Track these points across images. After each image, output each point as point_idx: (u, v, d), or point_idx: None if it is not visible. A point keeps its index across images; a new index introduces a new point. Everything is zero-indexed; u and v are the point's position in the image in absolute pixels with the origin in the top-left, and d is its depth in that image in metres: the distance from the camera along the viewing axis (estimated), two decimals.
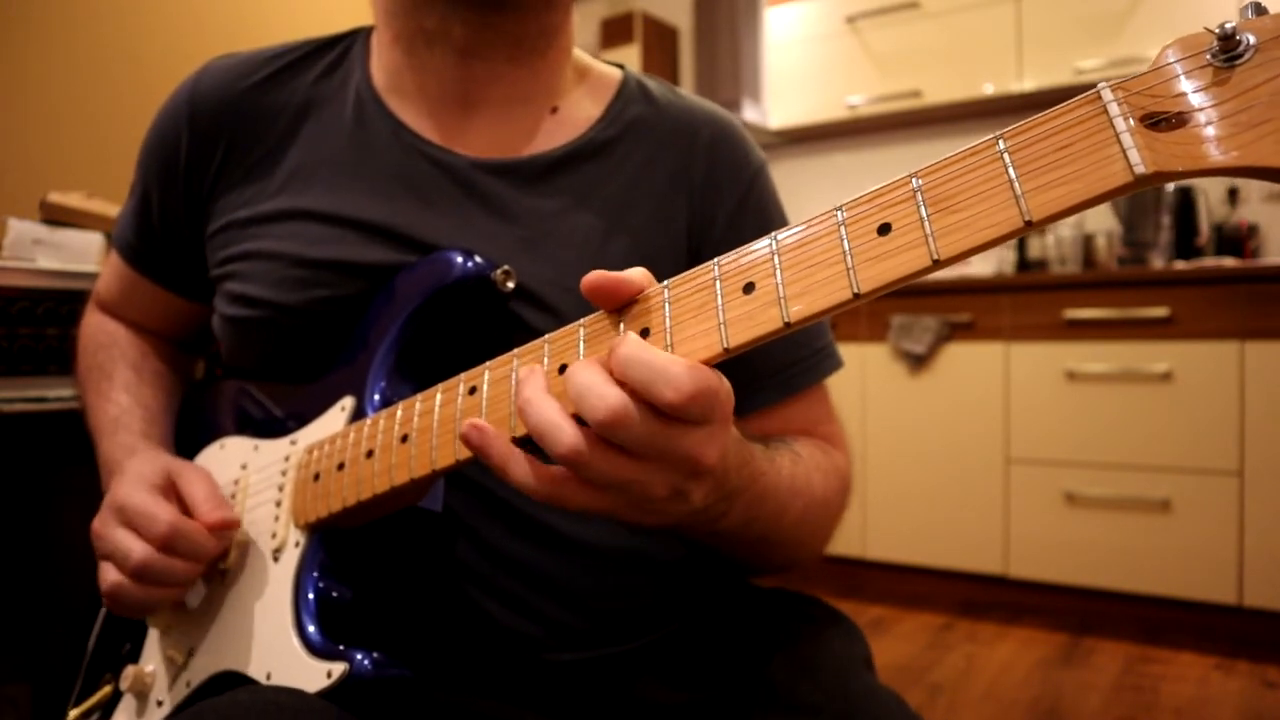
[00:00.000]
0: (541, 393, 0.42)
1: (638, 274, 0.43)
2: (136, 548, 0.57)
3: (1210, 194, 2.67)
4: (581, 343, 0.44)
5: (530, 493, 0.43)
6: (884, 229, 0.35)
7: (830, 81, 3.17)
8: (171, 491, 0.62)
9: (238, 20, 2.21)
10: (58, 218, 1.47)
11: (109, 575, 0.59)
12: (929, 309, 2.61)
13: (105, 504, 0.62)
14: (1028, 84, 2.81)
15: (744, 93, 3.28)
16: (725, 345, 0.39)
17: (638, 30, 3.46)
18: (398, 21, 0.68)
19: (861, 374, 2.72)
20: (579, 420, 0.40)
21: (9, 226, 1.37)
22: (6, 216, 1.38)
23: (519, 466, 0.43)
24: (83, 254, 1.43)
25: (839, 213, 0.36)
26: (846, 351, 0.75)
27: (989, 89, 2.87)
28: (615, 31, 3.52)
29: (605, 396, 0.38)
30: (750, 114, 3.27)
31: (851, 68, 3.13)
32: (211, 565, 0.63)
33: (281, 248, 0.65)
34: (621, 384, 0.39)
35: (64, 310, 1.29)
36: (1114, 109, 0.30)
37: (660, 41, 3.58)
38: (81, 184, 1.65)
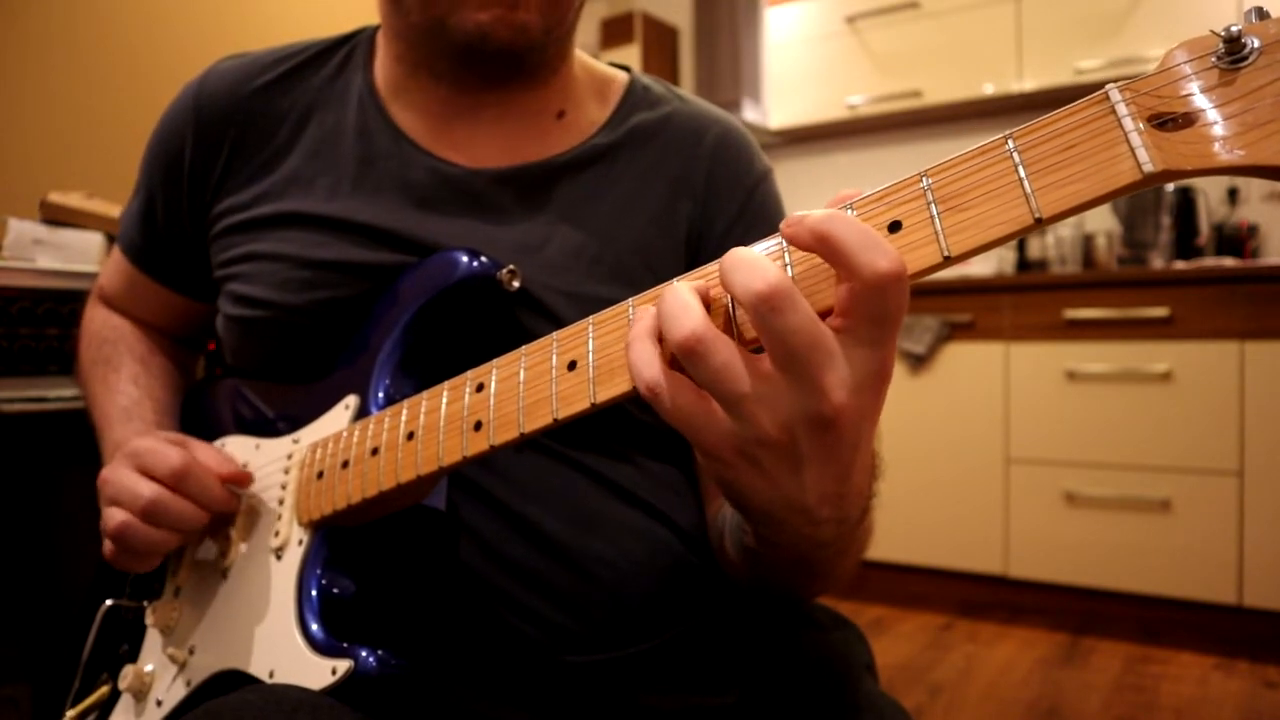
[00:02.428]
0: (681, 283, 0.39)
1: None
2: (146, 486, 0.58)
3: (1210, 194, 2.67)
4: (591, 339, 0.44)
5: (638, 374, 0.38)
6: (894, 226, 0.35)
7: (830, 81, 3.18)
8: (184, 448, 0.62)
9: (238, 20, 2.21)
10: (58, 218, 1.47)
11: (116, 517, 0.59)
12: (929, 309, 2.62)
13: (116, 456, 0.62)
14: (1028, 84, 2.81)
15: (744, 93, 3.29)
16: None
17: (638, 30, 3.46)
18: (401, 44, 0.68)
19: None
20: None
21: (9, 226, 1.37)
22: (6, 216, 1.38)
23: (641, 344, 0.39)
24: (83, 254, 1.43)
25: (849, 211, 0.37)
26: None
27: (989, 89, 2.87)
28: (615, 31, 3.52)
29: (768, 270, 0.34)
30: (750, 114, 3.27)
31: (851, 68, 3.13)
32: (212, 564, 0.63)
33: (283, 249, 0.66)
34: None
35: (64, 310, 1.30)
36: (1122, 109, 0.30)
37: (660, 41, 3.58)
38: (81, 184, 1.65)
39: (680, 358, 0.37)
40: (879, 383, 0.36)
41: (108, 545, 0.60)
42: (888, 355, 0.36)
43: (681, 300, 0.36)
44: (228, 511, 0.62)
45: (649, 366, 0.38)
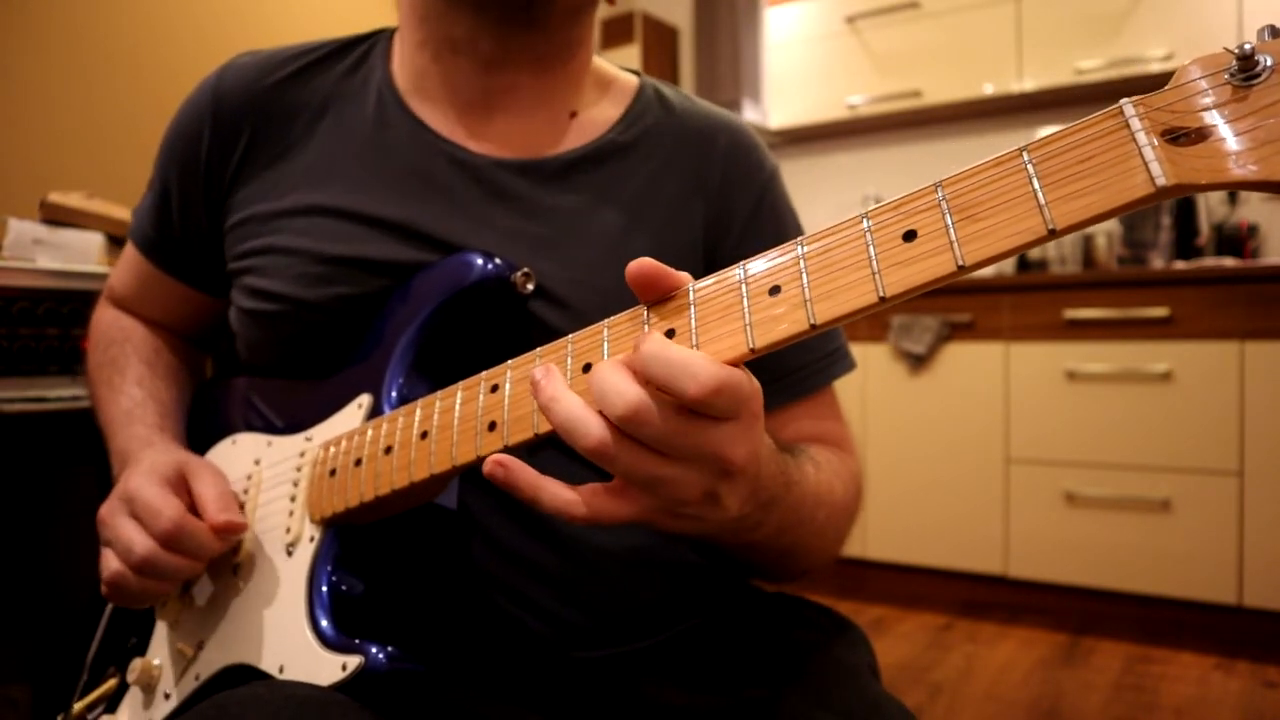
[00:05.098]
0: (564, 389, 0.42)
1: (680, 273, 0.44)
2: (139, 541, 0.58)
3: (1210, 195, 2.68)
4: (606, 343, 0.44)
5: (567, 516, 0.43)
6: (909, 235, 0.36)
7: (830, 81, 3.18)
8: (183, 486, 0.62)
9: (238, 21, 2.21)
10: (58, 218, 1.47)
11: (111, 564, 0.59)
12: (929, 309, 2.62)
13: (115, 492, 0.62)
14: (1028, 84, 2.81)
15: (744, 93, 3.29)
16: (751, 345, 0.39)
17: (638, 30, 3.46)
18: (426, 27, 0.69)
19: (861, 374, 2.72)
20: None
21: (9, 226, 1.37)
22: (6, 216, 1.39)
23: (549, 492, 0.43)
24: (83, 254, 1.43)
25: (865, 220, 0.37)
26: None
27: (989, 89, 2.88)
28: (615, 31, 3.52)
29: (624, 394, 0.39)
30: (750, 114, 3.27)
31: (851, 68, 3.13)
32: (222, 560, 0.64)
33: (301, 243, 0.66)
34: (644, 381, 0.40)
35: (64, 310, 1.30)
36: (1135, 124, 0.31)
37: (660, 41, 3.58)
38: (81, 184, 1.65)
39: (593, 460, 0.41)
40: (754, 421, 0.41)
41: (105, 589, 0.60)
42: (751, 408, 0.41)
43: (580, 417, 0.41)
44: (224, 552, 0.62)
45: (567, 493, 0.43)
